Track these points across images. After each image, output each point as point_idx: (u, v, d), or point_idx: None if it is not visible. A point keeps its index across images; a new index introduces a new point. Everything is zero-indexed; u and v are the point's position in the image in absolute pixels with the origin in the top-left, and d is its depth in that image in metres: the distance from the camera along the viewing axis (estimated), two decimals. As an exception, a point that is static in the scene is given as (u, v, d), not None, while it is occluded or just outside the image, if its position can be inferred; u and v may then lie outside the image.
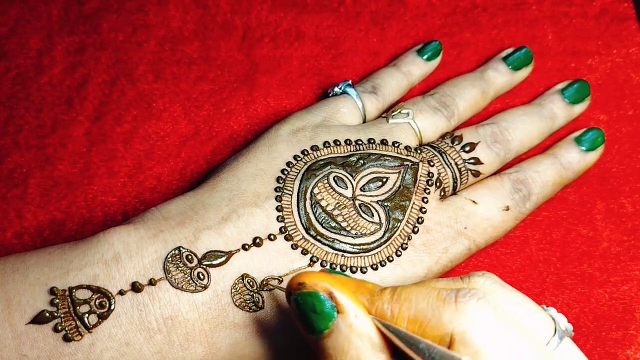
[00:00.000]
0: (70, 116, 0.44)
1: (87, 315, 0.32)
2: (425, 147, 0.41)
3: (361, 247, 0.37)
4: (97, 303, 0.32)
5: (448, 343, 0.27)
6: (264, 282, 0.35)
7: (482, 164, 0.42)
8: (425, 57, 0.47)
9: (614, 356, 0.41)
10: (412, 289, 0.29)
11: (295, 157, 0.39)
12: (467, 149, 0.42)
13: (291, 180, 0.38)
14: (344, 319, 0.28)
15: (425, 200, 0.39)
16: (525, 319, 0.28)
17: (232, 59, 0.48)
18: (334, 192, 0.38)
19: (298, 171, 0.38)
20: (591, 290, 0.43)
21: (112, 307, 0.33)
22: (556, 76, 0.48)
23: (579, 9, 0.50)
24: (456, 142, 0.42)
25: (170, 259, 0.34)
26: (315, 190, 0.38)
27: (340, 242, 0.37)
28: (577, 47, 0.49)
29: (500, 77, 0.46)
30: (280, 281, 0.35)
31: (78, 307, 0.32)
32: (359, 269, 0.37)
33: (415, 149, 0.41)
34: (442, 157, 0.41)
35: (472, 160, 0.41)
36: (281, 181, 0.38)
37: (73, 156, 0.43)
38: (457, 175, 0.41)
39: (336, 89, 0.44)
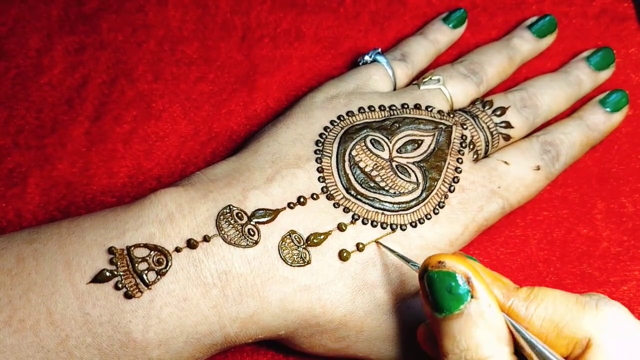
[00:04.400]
0: (70, 116, 0.44)
1: (146, 272, 0.33)
2: (458, 112, 0.43)
3: (400, 205, 0.38)
4: (155, 260, 0.33)
5: (584, 347, 0.28)
6: (312, 237, 0.36)
7: (512, 127, 0.43)
8: (451, 25, 0.48)
9: (614, 356, 0.41)
10: (549, 291, 0.30)
11: (331, 122, 0.40)
12: (498, 113, 0.43)
13: (329, 143, 0.39)
14: (477, 305, 0.29)
15: (459, 160, 0.40)
16: None
17: (232, 59, 0.48)
18: (371, 154, 0.39)
19: (336, 135, 0.40)
20: (591, 290, 0.42)
21: (170, 263, 0.33)
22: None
23: (579, 9, 0.50)
24: (487, 107, 0.43)
25: (221, 216, 0.35)
26: (354, 152, 0.39)
27: (380, 200, 0.38)
28: (577, 47, 0.49)
29: (525, 44, 0.47)
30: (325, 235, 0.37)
31: (137, 265, 0.33)
32: (399, 226, 0.38)
33: (448, 113, 0.42)
34: (475, 120, 0.42)
35: (503, 124, 0.43)
36: (320, 144, 0.39)
37: (72, 156, 0.43)
38: (489, 138, 0.42)
39: (366, 58, 0.45)
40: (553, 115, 0.45)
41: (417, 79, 0.44)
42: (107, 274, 0.32)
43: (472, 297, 0.29)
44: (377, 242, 0.37)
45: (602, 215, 0.44)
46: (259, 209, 0.36)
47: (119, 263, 0.33)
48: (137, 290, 0.33)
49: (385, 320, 0.37)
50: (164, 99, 0.46)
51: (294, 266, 0.35)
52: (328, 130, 0.40)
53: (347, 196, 0.38)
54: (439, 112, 0.42)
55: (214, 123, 0.46)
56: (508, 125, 0.43)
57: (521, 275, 0.43)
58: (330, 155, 0.39)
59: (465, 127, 0.41)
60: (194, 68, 0.47)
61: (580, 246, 0.44)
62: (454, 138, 0.41)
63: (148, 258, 0.33)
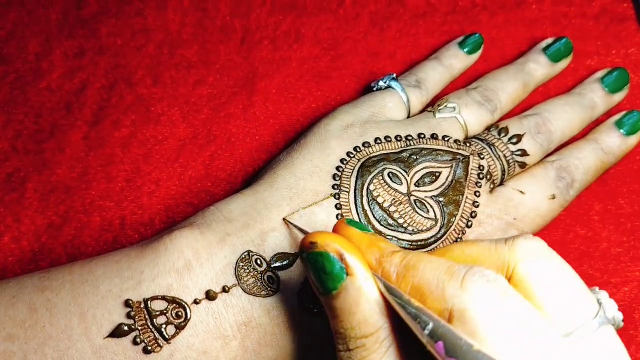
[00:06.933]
0: (69, 121, 0.44)
1: (164, 326, 0.32)
2: (474, 140, 0.42)
3: (419, 243, 0.38)
4: (173, 314, 0.32)
5: (447, 319, 0.26)
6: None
7: (528, 155, 0.42)
8: (466, 50, 0.47)
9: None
10: (423, 258, 0.28)
11: (348, 154, 0.39)
12: (514, 141, 0.42)
13: (347, 178, 0.38)
14: (353, 282, 0.28)
15: (477, 194, 0.40)
16: (551, 302, 0.27)
17: (232, 62, 0.47)
18: (389, 189, 0.38)
19: (353, 168, 0.39)
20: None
21: (189, 317, 0.32)
22: (555, 77, 0.48)
23: (579, 10, 0.50)
24: (503, 135, 0.42)
25: (241, 263, 0.34)
26: (372, 187, 0.38)
27: (399, 239, 0.37)
28: (576, 47, 0.48)
29: (541, 69, 0.47)
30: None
31: (155, 319, 0.32)
32: None
33: (465, 143, 0.41)
34: (491, 149, 0.42)
35: (519, 152, 0.42)
36: (337, 178, 0.38)
37: (71, 161, 0.43)
38: (506, 167, 0.42)
39: (381, 83, 0.45)
40: (566, 139, 0.45)
41: (431, 104, 0.44)
42: (125, 328, 0.32)
43: (347, 274, 0.28)
44: (284, 219, 0.36)
45: (600, 217, 0.44)
46: (278, 253, 0.35)
47: (136, 317, 0.32)
48: (157, 345, 0.32)
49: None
50: (163, 102, 0.46)
51: (311, 313, 0.35)
52: (345, 162, 0.39)
53: None
54: (456, 141, 0.41)
55: (213, 126, 0.46)
56: (524, 153, 0.42)
57: (522, 277, 0.43)
58: (348, 190, 0.38)
59: (482, 156, 0.41)
60: (193, 72, 0.47)
61: (579, 247, 0.43)
62: (472, 169, 0.40)
63: (166, 312, 0.32)
